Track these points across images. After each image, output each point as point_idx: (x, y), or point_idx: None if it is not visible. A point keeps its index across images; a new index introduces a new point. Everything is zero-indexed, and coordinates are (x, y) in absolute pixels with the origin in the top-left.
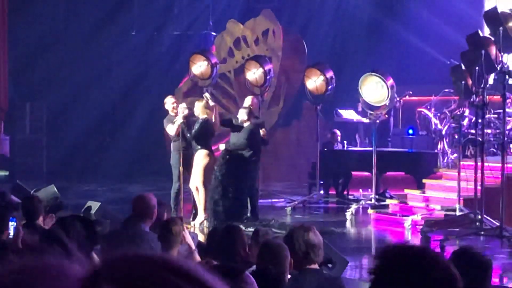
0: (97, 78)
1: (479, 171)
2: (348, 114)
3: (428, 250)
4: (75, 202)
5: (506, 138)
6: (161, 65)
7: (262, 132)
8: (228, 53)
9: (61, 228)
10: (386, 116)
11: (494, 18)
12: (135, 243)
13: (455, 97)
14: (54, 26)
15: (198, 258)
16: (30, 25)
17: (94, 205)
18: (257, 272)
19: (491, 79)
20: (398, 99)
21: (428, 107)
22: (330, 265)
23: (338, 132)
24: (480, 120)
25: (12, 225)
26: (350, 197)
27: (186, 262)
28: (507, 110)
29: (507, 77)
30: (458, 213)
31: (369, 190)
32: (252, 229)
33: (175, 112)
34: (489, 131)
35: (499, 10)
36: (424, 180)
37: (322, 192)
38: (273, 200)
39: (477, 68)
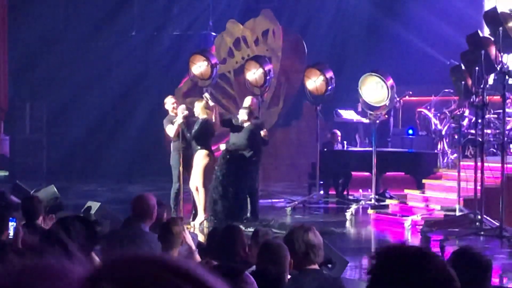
0: (97, 78)
1: (479, 171)
2: (348, 114)
3: (424, 250)
4: (75, 202)
5: (506, 138)
6: (161, 65)
7: (263, 133)
8: (228, 53)
9: (61, 229)
10: (386, 116)
11: (494, 18)
12: (135, 243)
13: (455, 97)
14: (54, 26)
15: (198, 258)
16: (30, 25)
17: (94, 205)
18: (257, 272)
19: (491, 79)
20: (398, 99)
21: (428, 107)
22: (330, 265)
23: (338, 132)
24: (480, 120)
25: (12, 225)
26: (350, 197)
27: (186, 262)
28: (507, 110)
29: (506, 77)
30: (458, 213)
31: (369, 190)
32: (252, 229)
33: (175, 112)
34: (489, 131)
35: (499, 10)
36: (424, 180)
37: (322, 192)
38: (273, 200)
39: (477, 68)
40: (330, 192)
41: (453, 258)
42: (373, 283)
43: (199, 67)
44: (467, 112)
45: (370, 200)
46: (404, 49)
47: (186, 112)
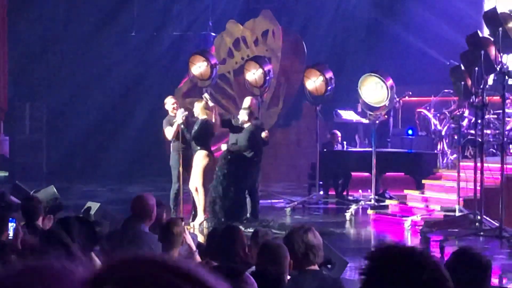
0: (97, 78)
1: (478, 172)
2: (348, 115)
3: (418, 250)
4: (75, 202)
5: (505, 139)
6: (161, 66)
7: (264, 134)
8: (228, 53)
9: (61, 229)
10: (386, 116)
11: (494, 18)
12: (134, 243)
13: (454, 98)
14: (54, 26)
15: (198, 259)
16: (30, 26)
17: (94, 206)
18: (257, 273)
19: (490, 79)
20: (397, 99)
21: (428, 107)
22: (329, 266)
23: (338, 133)
24: (479, 121)
25: (11, 226)
26: (350, 197)
27: (186, 263)
28: (506, 110)
29: (506, 77)
30: (457, 213)
31: (369, 190)
32: (252, 230)
33: (175, 112)
34: (488, 131)
35: (499, 11)
36: (423, 181)
37: (321, 192)
38: (273, 200)
39: (476, 68)
40: (330, 193)
41: (453, 259)
42: (366, 284)
43: (198, 67)
44: (466, 113)
45: (370, 201)
46: (403, 49)
47: (185, 113)
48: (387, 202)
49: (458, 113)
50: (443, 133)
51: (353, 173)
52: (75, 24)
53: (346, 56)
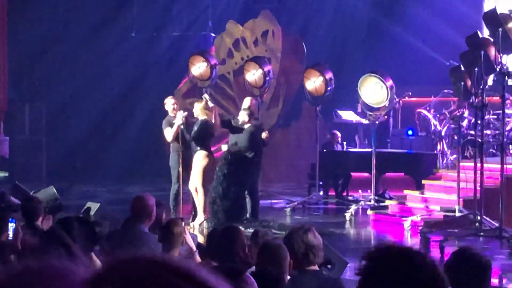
0: (97, 78)
1: (478, 172)
2: (348, 115)
3: (414, 250)
4: (75, 203)
5: (505, 139)
6: (161, 66)
7: (265, 134)
8: (228, 54)
9: (61, 229)
10: (386, 117)
11: (493, 19)
12: (134, 244)
13: (454, 98)
14: (53, 27)
15: (198, 259)
16: (29, 26)
17: (94, 206)
18: (257, 273)
19: (490, 80)
20: (397, 100)
21: (428, 108)
22: (329, 266)
23: (338, 133)
24: (479, 121)
25: (11, 226)
26: (350, 198)
27: (187, 263)
28: (506, 111)
29: (506, 78)
30: (457, 214)
31: (369, 191)
32: (252, 230)
33: (175, 113)
34: (488, 132)
35: (498, 11)
36: (423, 181)
37: (321, 193)
38: (273, 201)
39: (476, 69)
40: (329, 193)
41: (453, 259)
42: (362, 284)
43: (198, 68)
44: (466, 113)
45: (370, 201)
46: (403, 50)
47: (185, 113)
48: (387, 202)
49: (458, 114)
50: (443, 133)
51: (353, 174)
52: (75, 24)
53: (346, 57)
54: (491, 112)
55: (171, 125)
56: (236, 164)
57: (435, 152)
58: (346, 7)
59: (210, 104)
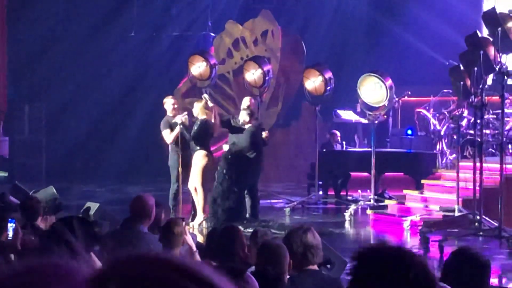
0: (97, 79)
1: (477, 172)
2: (347, 115)
3: (404, 249)
4: (74, 203)
5: (504, 139)
6: (160, 66)
7: (265, 134)
8: (227, 54)
9: (54, 231)
10: (385, 116)
11: (493, 18)
12: (133, 244)
13: (453, 98)
14: (53, 27)
15: (199, 259)
16: (29, 26)
17: (93, 206)
18: (256, 273)
19: (489, 79)
20: (396, 99)
21: (427, 107)
22: (329, 266)
23: (338, 133)
24: (478, 121)
25: (11, 226)
26: (349, 197)
27: (192, 263)
28: (505, 110)
29: (505, 77)
30: (457, 213)
31: (368, 190)
32: (251, 230)
33: (174, 113)
34: (487, 131)
35: (498, 11)
36: (423, 181)
37: (321, 193)
38: (272, 201)
39: (475, 68)
40: (329, 193)
41: (452, 259)
42: (353, 284)
43: (198, 67)
44: (466, 113)
45: (369, 201)
46: (403, 49)
47: (185, 113)
48: (386, 202)
49: (457, 113)
50: (442, 133)
51: (352, 173)
52: (74, 24)
53: (346, 56)
54: (491, 112)
55: (170, 125)
56: (237, 164)
57: (435, 151)
58: (346, 7)
59: (210, 104)
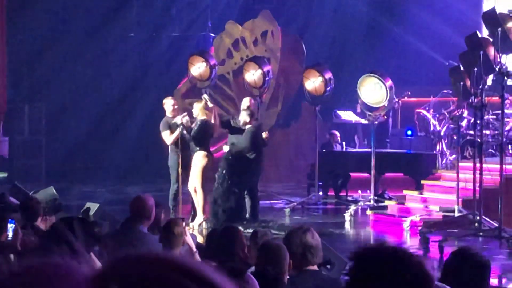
0: (96, 79)
1: (477, 172)
2: (347, 115)
3: (401, 250)
4: (74, 203)
5: (504, 139)
6: (160, 66)
7: (265, 134)
8: (227, 54)
9: (55, 231)
10: (385, 117)
11: (493, 19)
12: (133, 244)
13: (453, 98)
14: (53, 27)
15: (199, 259)
16: (29, 27)
17: (93, 207)
18: (256, 273)
19: (489, 80)
20: (396, 100)
21: (427, 108)
22: (329, 266)
23: (337, 133)
24: (478, 121)
25: (11, 226)
26: (349, 198)
27: (194, 263)
28: (505, 111)
29: (505, 78)
30: (457, 214)
31: (368, 191)
32: (251, 230)
33: (173, 114)
34: (487, 132)
35: (498, 11)
36: (422, 181)
37: (321, 193)
38: (272, 201)
39: (475, 69)
40: (329, 193)
41: (452, 259)
42: (351, 284)
43: (198, 68)
44: (465, 113)
45: (369, 201)
46: (402, 50)
47: (185, 114)
48: (386, 202)
49: (457, 114)
50: (442, 133)
51: (352, 174)
52: (74, 24)
53: (345, 57)
54: (490, 112)
55: (169, 126)
56: (237, 164)
57: (435, 152)
58: (346, 7)
59: (210, 105)
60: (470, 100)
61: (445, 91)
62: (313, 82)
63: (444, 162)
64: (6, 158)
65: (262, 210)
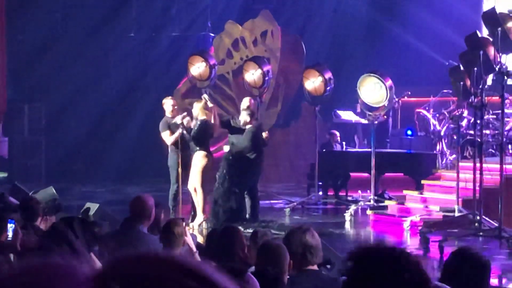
0: (96, 79)
1: (477, 172)
2: (347, 115)
3: (398, 249)
4: (74, 203)
5: (504, 139)
6: (160, 67)
7: (265, 134)
8: (227, 54)
9: (56, 231)
10: (385, 117)
11: (493, 18)
12: (133, 244)
13: (453, 98)
14: (52, 27)
15: (199, 259)
16: (28, 27)
17: (93, 207)
18: (256, 273)
19: (489, 80)
20: (396, 100)
21: (427, 108)
22: (329, 266)
23: (337, 133)
24: (478, 121)
25: (10, 226)
26: (349, 198)
27: (196, 262)
28: (505, 111)
29: (505, 77)
30: (457, 214)
31: (368, 191)
32: (251, 230)
33: (173, 114)
34: (487, 132)
35: (498, 11)
36: (423, 181)
37: (321, 193)
38: (272, 201)
39: (475, 69)
40: (329, 193)
41: (452, 259)
42: (348, 285)
43: (197, 68)
44: (465, 113)
45: (369, 201)
46: (402, 49)
47: (185, 114)
48: (386, 202)
49: (457, 114)
50: (442, 133)
51: (352, 174)
52: (74, 24)
53: (345, 56)
54: (491, 112)
55: (169, 126)
56: (237, 164)
57: (435, 152)
58: (346, 7)
59: (209, 105)
60: (470, 100)
61: (445, 91)
62: (313, 82)
63: (444, 162)
64: (6, 158)
65: (262, 210)
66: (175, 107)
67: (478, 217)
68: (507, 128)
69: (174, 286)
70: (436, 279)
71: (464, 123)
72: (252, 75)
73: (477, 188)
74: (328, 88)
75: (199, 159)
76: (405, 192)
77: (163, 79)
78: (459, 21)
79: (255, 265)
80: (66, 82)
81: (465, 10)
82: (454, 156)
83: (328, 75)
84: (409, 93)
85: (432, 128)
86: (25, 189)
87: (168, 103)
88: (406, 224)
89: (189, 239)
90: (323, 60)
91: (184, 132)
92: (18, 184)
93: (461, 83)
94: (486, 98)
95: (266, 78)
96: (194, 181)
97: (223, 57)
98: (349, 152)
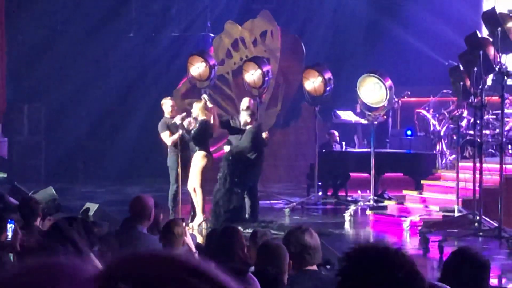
0: (96, 79)
1: (477, 172)
2: (347, 115)
3: (392, 249)
4: (74, 203)
5: (504, 139)
6: (159, 67)
7: (265, 135)
8: (226, 54)
9: (59, 230)
10: (385, 117)
11: (493, 18)
12: (133, 244)
13: (453, 98)
14: (52, 27)
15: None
16: (28, 27)
17: (92, 207)
18: (256, 273)
19: (489, 80)
20: (396, 100)
21: (427, 108)
22: (328, 267)
23: (336, 133)
24: (478, 121)
25: (10, 227)
26: (349, 198)
27: (199, 261)
28: (505, 111)
29: (505, 77)
30: (456, 214)
31: (368, 191)
32: (251, 230)
33: (172, 114)
34: (487, 132)
35: (497, 11)
36: (422, 181)
37: (320, 193)
38: (272, 201)
39: (475, 69)
40: (328, 193)
41: (452, 259)
42: (342, 285)
43: (197, 68)
44: (465, 113)
45: (369, 201)
46: (402, 50)
47: (184, 114)
48: (386, 202)
49: (457, 114)
50: (442, 133)
51: (352, 174)
52: (74, 24)
53: (345, 57)
54: (490, 112)
55: (168, 127)
56: (238, 165)
57: (434, 152)
58: (346, 7)
59: (209, 105)
60: (470, 100)
61: (445, 91)
62: (313, 82)
63: (444, 162)
64: (6, 158)
65: (262, 210)
66: (174, 107)
67: (478, 217)
68: (507, 128)
69: (179, 285)
70: (436, 279)
71: (464, 123)
72: (252, 75)
73: (477, 188)
74: (328, 88)
75: (198, 159)
76: (404, 192)
77: (163, 79)
78: (459, 21)
79: (254, 265)
80: (66, 82)
81: (465, 10)
82: (454, 156)
83: (328, 75)
84: (409, 93)
85: (432, 128)
86: (24, 189)
87: (167, 104)
88: (406, 224)
89: (188, 239)
90: (323, 60)
91: (184, 132)
92: (17, 184)
93: (461, 83)
94: (486, 98)
95: (266, 78)
96: (194, 181)
97: (223, 57)
98: (349, 152)
